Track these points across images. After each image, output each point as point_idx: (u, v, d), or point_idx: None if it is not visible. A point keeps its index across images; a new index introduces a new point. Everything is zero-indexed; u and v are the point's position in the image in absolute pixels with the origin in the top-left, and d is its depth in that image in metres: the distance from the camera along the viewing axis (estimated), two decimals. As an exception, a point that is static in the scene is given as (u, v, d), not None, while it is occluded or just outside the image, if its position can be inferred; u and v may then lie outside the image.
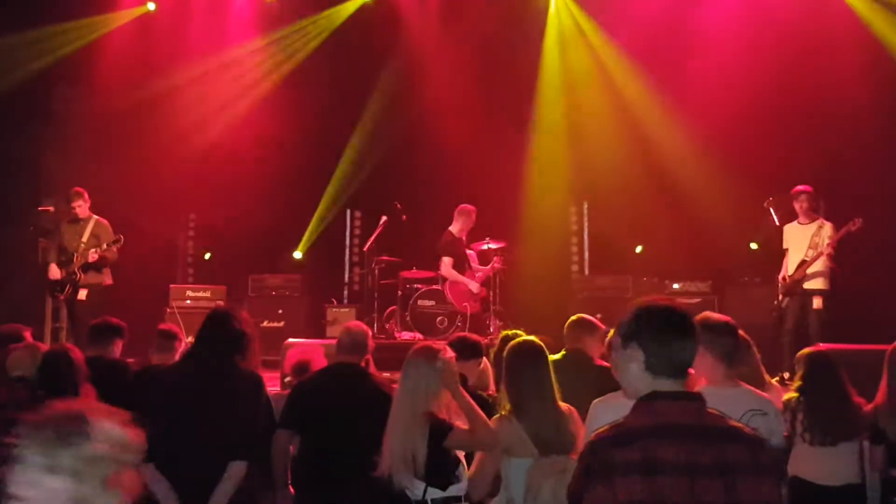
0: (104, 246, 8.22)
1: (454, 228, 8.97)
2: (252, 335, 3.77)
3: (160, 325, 5.26)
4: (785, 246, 8.20)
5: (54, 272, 8.33)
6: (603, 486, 2.03)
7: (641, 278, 9.87)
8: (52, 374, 4.38)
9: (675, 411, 2.12)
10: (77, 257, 8.25)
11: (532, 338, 3.72)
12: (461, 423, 3.51)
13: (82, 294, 8.26)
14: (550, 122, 10.99)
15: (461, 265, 9.02)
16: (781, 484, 2.13)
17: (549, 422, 3.46)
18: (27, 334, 5.36)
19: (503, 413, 3.59)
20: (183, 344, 5.03)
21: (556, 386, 3.60)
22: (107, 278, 8.41)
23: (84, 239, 8.33)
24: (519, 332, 4.45)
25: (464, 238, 9.10)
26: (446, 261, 8.84)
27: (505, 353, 3.65)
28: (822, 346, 5.15)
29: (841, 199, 8.38)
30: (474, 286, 8.92)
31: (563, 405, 3.64)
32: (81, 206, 8.44)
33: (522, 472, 3.42)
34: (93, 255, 8.18)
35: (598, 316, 5.20)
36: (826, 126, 9.15)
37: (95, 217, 8.49)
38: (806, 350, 4.65)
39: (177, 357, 4.83)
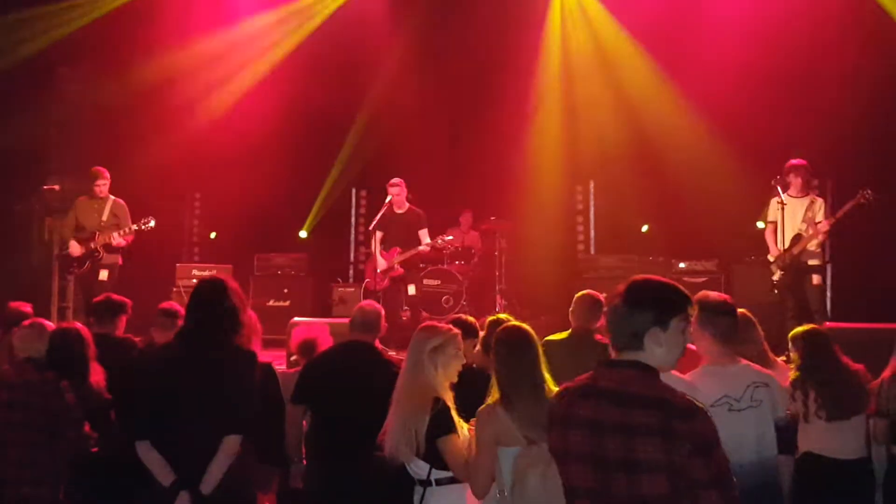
0: (132, 226, 8.17)
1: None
2: (240, 305, 3.66)
3: (161, 303, 5.24)
4: (772, 219, 7.71)
5: (75, 248, 8.24)
6: (550, 433, 2.45)
7: (647, 257, 9.84)
8: (62, 355, 4.39)
9: (603, 376, 2.39)
10: (98, 235, 8.21)
11: (521, 324, 3.63)
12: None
13: (103, 275, 8.18)
14: (556, 101, 10.93)
15: (385, 240, 8.62)
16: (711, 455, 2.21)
17: (536, 412, 3.26)
18: (30, 310, 5.36)
19: (491, 402, 3.46)
20: (185, 321, 5.03)
21: (546, 374, 3.48)
22: (120, 259, 8.40)
23: (104, 218, 8.28)
24: (507, 316, 4.34)
25: (395, 210, 8.60)
26: (377, 235, 8.64)
27: (493, 342, 3.58)
28: (828, 324, 5.13)
29: (848, 178, 8.31)
30: (382, 264, 8.61)
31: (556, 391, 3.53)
32: (104, 185, 8.39)
33: (511, 461, 3.36)
34: (118, 239, 8.15)
35: (605, 295, 5.15)
36: (834, 105, 9.07)
37: (113, 197, 8.44)
38: (798, 329, 4.67)
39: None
